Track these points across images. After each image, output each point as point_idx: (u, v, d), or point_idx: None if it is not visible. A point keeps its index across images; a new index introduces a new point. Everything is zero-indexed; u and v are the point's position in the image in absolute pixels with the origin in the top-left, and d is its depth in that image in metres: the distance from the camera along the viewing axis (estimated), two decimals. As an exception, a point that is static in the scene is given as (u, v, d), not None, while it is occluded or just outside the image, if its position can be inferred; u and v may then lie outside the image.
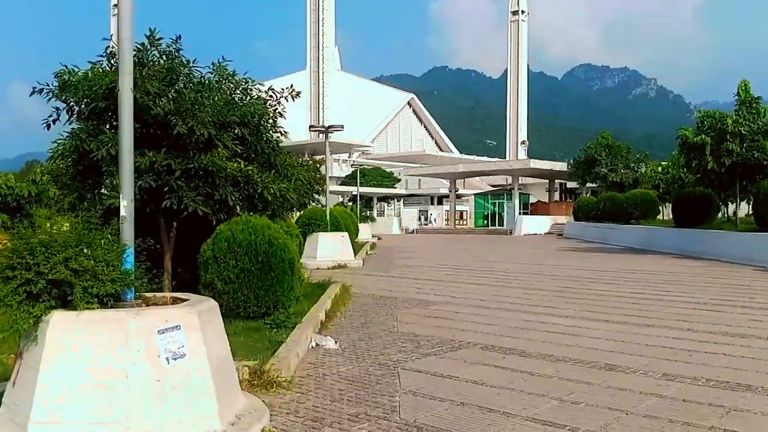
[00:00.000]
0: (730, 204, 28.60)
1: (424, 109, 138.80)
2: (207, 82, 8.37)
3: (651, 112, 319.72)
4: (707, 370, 6.25)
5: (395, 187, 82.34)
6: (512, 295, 12.43)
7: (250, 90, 8.92)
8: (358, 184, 42.08)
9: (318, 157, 29.28)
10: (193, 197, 7.71)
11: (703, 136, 22.40)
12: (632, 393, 5.49)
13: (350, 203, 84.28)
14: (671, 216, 27.74)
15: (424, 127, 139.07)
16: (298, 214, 28.34)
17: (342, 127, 20.10)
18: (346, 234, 18.89)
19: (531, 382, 5.88)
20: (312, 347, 7.45)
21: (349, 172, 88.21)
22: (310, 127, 18.50)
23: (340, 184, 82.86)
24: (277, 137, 9.42)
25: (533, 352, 7.16)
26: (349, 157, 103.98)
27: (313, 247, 18.27)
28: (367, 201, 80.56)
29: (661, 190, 40.37)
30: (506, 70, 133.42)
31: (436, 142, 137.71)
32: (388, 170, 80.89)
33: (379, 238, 36.75)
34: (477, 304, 11.29)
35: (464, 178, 75.11)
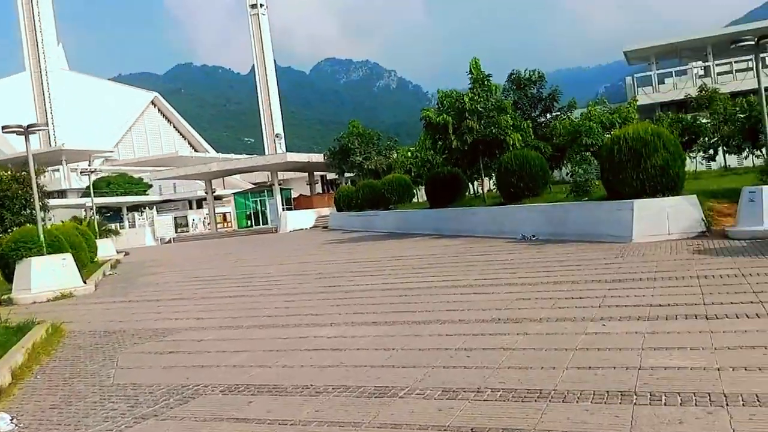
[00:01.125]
0: (476, 181, 30.04)
1: (171, 108, 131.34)
2: None
3: (395, 103, 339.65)
4: (490, 376, 5.20)
5: (147, 194, 76.23)
6: (271, 306, 10.83)
7: None
8: (92, 193, 37.28)
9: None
10: None
11: (445, 115, 22.81)
12: (410, 430, 4.19)
13: (96, 216, 76.45)
14: (426, 198, 28.34)
15: (174, 127, 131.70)
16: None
17: (46, 125, 16.70)
18: (68, 255, 15.67)
19: (282, 442, 4.29)
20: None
21: (89, 183, 79.87)
22: (2, 127, 14.77)
23: (82, 196, 74.56)
24: None
25: (288, 386, 5.60)
26: (89, 165, 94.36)
27: (24, 277, 14.84)
28: (116, 212, 73.55)
29: (413, 174, 41.80)
30: (254, 66, 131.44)
31: (189, 143, 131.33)
32: (137, 176, 74.59)
33: (126, 254, 32.81)
34: (227, 324, 9.49)
35: (222, 178, 71.91)
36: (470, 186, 30.84)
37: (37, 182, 23.92)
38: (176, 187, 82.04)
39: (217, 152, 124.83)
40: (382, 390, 5.15)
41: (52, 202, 56.76)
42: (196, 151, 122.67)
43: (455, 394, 4.83)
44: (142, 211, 64.07)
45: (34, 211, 24.64)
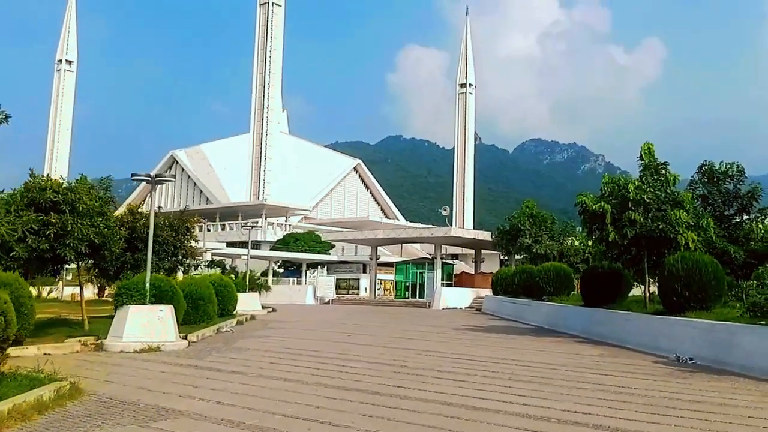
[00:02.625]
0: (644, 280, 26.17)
1: (370, 176, 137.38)
2: None
3: (600, 187, 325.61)
4: None
5: (328, 253, 79.03)
6: (302, 401, 9.22)
7: None
8: (246, 246, 38.60)
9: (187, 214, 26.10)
10: None
11: (603, 203, 20.01)
12: None
13: (280, 269, 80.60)
14: (580, 294, 25.20)
15: (371, 193, 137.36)
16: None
17: (173, 176, 17.02)
18: (167, 308, 15.43)
19: None
20: None
21: (281, 237, 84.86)
22: (132, 175, 15.31)
23: (271, 249, 79.22)
24: None
25: None
26: (286, 221, 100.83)
27: (120, 324, 14.79)
28: (297, 267, 77.02)
29: (590, 265, 38.27)
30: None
31: (382, 209, 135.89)
32: (324, 236, 77.77)
33: (272, 310, 33.12)
34: (242, 417, 8.06)
35: (400, 245, 72.39)
36: (638, 286, 26.98)
37: (185, 230, 25.07)
38: (357, 249, 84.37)
39: (407, 220, 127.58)
40: None
41: (252, 252, 60.84)
42: (387, 217, 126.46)
43: None
44: (313, 270, 66.23)
45: (184, 258, 25.92)
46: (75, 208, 15.04)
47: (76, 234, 14.78)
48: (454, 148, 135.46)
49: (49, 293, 43.79)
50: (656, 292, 23.50)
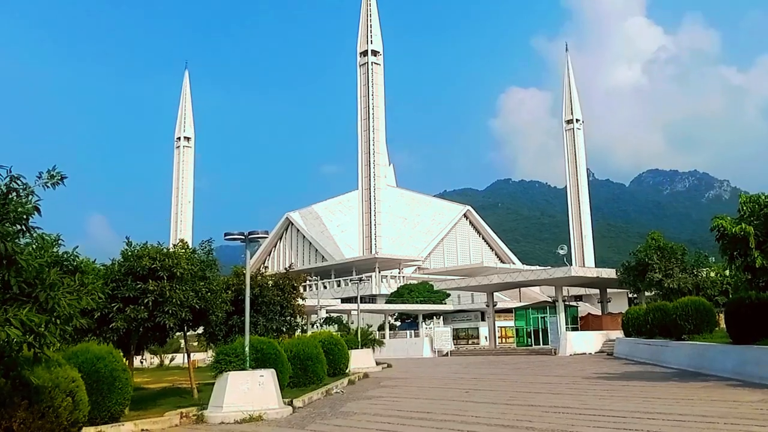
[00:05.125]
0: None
1: (481, 221, 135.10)
2: None
3: (729, 215, 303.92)
4: None
5: (444, 303, 77.29)
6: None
7: None
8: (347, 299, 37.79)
9: (293, 271, 25.66)
10: None
11: (744, 224, 17.53)
12: None
13: (397, 322, 79.60)
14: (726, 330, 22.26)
15: (483, 239, 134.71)
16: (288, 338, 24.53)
17: (266, 233, 16.49)
18: (269, 372, 14.57)
19: None
20: None
21: (395, 289, 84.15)
22: (225, 234, 14.98)
23: (386, 302, 78.59)
24: None
25: None
26: (399, 273, 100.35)
27: (220, 393, 14.07)
28: (414, 319, 75.73)
29: (730, 297, 34.47)
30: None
31: (496, 254, 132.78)
32: (439, 285, 76.29)
33: (387, 366, 31.87)
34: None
35: (518, 289, 69.55)
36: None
37: (291, 288, 24.60)
38: (473, 297, 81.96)
39: (523, 264, 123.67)
40: None
41: (364, 306, 60.63)
42: (502, 262, 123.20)
43: None
44: (429, 321, 64.56)
45: (290, 318, 25.42)
46: (173, 274, 14.76)
47: (174, 300, 14.44)
48: (566, 186, 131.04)
49: (171, 361, 45.03)
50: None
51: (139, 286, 14.40)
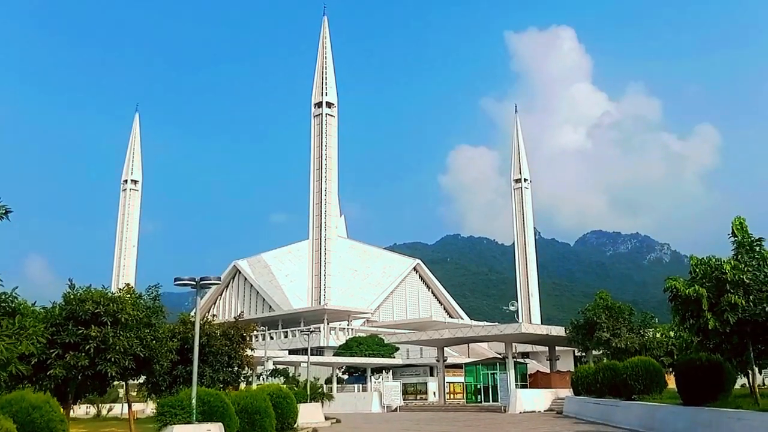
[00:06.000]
0: (749, 372, 23.19)
1: (431, 275, 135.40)
2: None
3: (675, 276, 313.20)
4: None
5: (393, 356, 76.27)
6: None
7: None
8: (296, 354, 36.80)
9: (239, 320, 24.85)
10: None
11: (697, 287, 17.81)
12: None
13: (345, 375, 78.00)
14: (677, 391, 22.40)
15: (432, 293, 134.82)
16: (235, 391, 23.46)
17: (219, 278, 15.90)
18: (216, 426, 13.84)
19: None
20: None
21: (344, 341, 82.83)
22: (175, 279, 14.32)
23: (334, 355, 77.09)
24: None
25: None
26: (348, 325, 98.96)
27: (164, 448, 13.30)
28: (362, 372, 74.34)
29: (675, 358, 34.99)
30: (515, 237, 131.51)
31: (444, 308, 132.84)
32: (388, 339, 75.39)
33: (336, 421, 30.89)
34: None
35: (467, 344, 69.17)
36: (741, 378, 23.94)
37: (240, 338, 23.77)
38: (422, 351, 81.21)
39: (471, 319, 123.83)
40: None
41: (314, 358, 59.16)
42: (450, 317, 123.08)
43: None
44: (378, 375, 63.44)
45: (238, 369, 24.48)
46: (117, 320, 14.02)
47: (118, 347, 13.67)
48: (513, 243, 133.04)
49: (108, 411, 42.72)
50: (764, 383, 20.58)
51: (81, 331, 13.60)
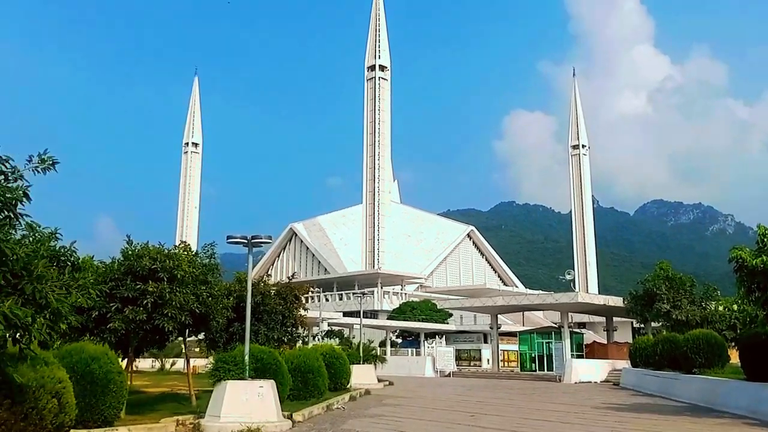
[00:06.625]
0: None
1: (485, 242, 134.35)
2: None
3: (745, 246, 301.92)
4: None
5: (446, 323, 76.36)
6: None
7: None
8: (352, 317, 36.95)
9: (294, 281, 25.05)
10: None
11: (765, 257, 16.90)
12: None
13: (399, 339, 78.58)
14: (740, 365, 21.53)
15: (486, 260, 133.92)
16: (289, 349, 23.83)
17: (270, 238, 15.84)
18: (268, 383, 13.99)
19: None
20: None
21: (397, 306, 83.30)
22: (228, 237, 14.44)
23: (387, 318, 77.68)
24: None
25: None
26: (401, 289, 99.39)
27: (218, 402, 13.48)
28: (416, 337, 74.75)
29: (739, 332, 33.73)
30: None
31: (499, 276, 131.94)
32: (441, 304, 75.32)
33: (389, 383, 31.10)
34: None
35: (521, 313, 68.56)
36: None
37: (294, 298, 23.99)
38: (476, 318, 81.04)
39: (526, 288, 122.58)
40: None
41: (366, 321, 59.71)
42: (505, 284, 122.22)
43: None
44: (431, 340, 63.52)
45: (292, 328, 24.76)
46: (174, 276, 14.21)
47: (174, 303, 13.88)
48: (570, 211, 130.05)
49: (172, 365, 44.30)
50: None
51: (139, 286, 13.86)
